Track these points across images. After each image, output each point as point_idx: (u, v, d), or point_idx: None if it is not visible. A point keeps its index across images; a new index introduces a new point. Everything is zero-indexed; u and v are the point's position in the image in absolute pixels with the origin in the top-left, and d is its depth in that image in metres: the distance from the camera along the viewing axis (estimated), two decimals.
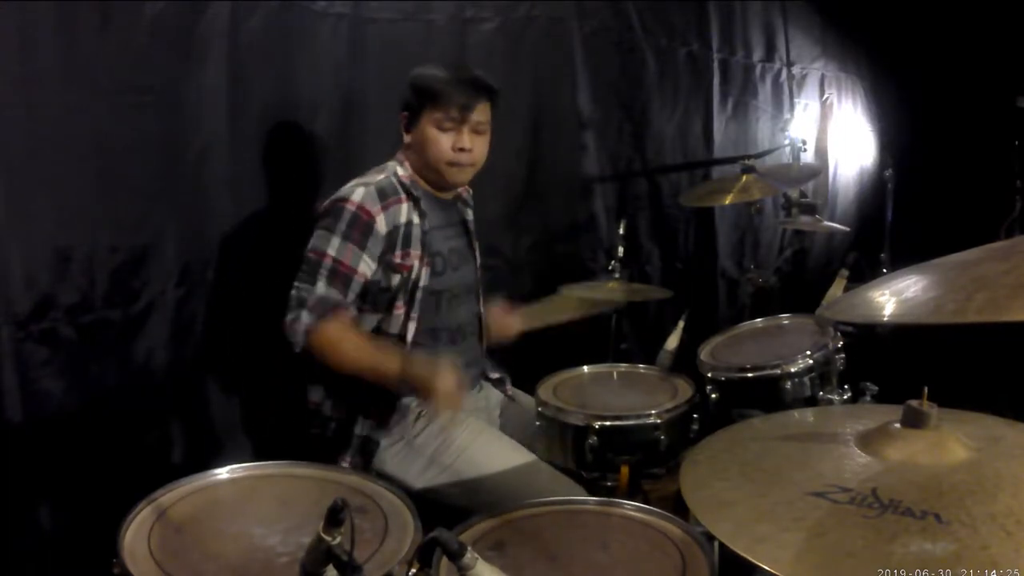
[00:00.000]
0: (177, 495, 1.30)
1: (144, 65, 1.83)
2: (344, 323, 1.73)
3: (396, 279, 1.80)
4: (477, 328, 2.00)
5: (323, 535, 0.92)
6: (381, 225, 1.77)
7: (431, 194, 1.90)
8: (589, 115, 2.85)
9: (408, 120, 1.86)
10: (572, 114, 2.80)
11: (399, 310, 1.81)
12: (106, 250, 1.82)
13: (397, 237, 1.79)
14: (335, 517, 0.91)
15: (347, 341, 1.72)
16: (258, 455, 2.08)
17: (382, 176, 1.82)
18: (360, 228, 1.75)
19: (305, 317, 1.70)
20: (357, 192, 1.77)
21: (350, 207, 1.75)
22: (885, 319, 1.11)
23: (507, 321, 2.05)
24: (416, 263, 1.81)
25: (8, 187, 1.65)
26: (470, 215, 2.03)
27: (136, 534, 1.19)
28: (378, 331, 1.83)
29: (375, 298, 1.81)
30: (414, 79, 1.84)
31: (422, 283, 1.81)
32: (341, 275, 1.73)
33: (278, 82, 2.11)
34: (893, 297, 1.06)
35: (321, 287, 1.72)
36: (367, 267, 1.76)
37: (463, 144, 1.81)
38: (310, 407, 1.88)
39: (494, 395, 2.07)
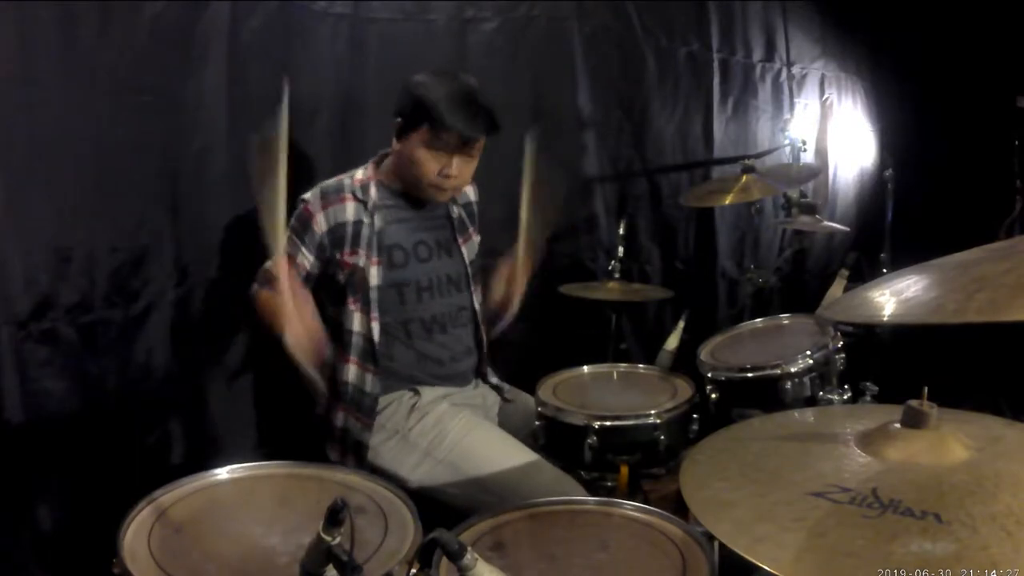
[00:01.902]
0: (177, 495, 1.31)
1: (144, 65, 1.83)
2: (271, 291, 1.75)
3: (342, 275, 1.84)
4: (465, 319, 1.99)
5: (323, 535, 0.93)
6: (320, 223, 1.83)
7: (402, 191, 1.91)
8: (589, 115, 2.85)
9: (400, 128, 1.83)
10: (572, 114, 2.80)
11: (352, 305, 1.85)
12: (106, 250, 1.82)
13: (343, 234, 1.84)
14: (335, 517, 0.92)
15: (270, 300, 1.73)
16: (258, 455, 2.08)
17: (336, 179, 1.90)
18: (300, 223, 1.84)
19: (253, 288, 1.83)
20: (310, 192, 1.87)
21: (300, 205, 1.86)
22: (885, 319, 1.11)
23: (513, 267, 2.01)
24: (362, 261, 1.83)
25: (8, 187, 1.65)
26: (455, 211, 2.02)
27: (136, 534, 1.19)
28: (338, 325, 1.86)
29: (328, 291, 1.88)
30: (415, 90, 1.78)
31: (374, 281, 1.84)
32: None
33: (278, 82, 2.10)
34: (893, 297, 1.06)
35: (268, 264, 1.76)
36: (304, 259, 1.83)
37: (450, 171, 1.80)
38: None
39: (492, 395, 2.07)
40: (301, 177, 2.17)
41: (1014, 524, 0.88)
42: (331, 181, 1.89)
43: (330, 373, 1.85)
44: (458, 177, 1.82)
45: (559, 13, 2.69)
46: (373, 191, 1.88)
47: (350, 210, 1.85)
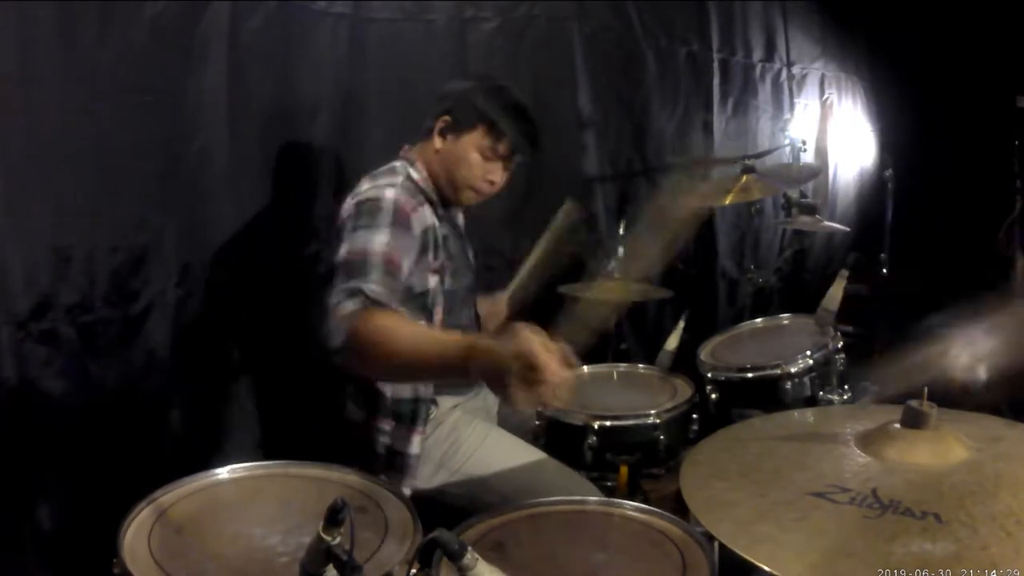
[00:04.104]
0: (177, 495, 1.30)
1: (144, 65, 1.83)
2: (395, 311, 1.45)
3: (433, 281, 1.73)
4: (475, 329, 2.00)
5: (323, 535, 0.92)
6: (416, 225, 1.65)
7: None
8: (589, 115, 2.85)
9: (448, 127, 1.76)
10: (572, 114, 2.80)
11: (438, 316, 1.75)
12: (106, 250, 1.82)
13: (428, 240, 1.71)
14: (335, 517, 0.91)
15: (403, 326, 1.42)
16: (258, 455, 2.08)
17: (400, 178, 1.70)
18: (400, 224, 1.59)
19: (349, 304, 1.42)
20: (388, 191, 1.63)
21: (386, 205, 1.60)
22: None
23: (497, 308, 2.02)
24: (446, 267, 1.77)
25: (8, 187, 1.65)
26: (460, 219, 2.03)
27: (136, 534, 1.19)
28: None
29: (412, 302, 1.65)
30: (489, 98, 1.74)
31: (446, 286, 1.77)
32: (391, 272, 1.51)
33: (278, 82, 2.10)
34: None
35: (374, 280, 1.47)
36: (408, 264, 1.59)
37: (495, 178, 1.77)
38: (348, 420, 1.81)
39: (491, 395, 2.06)
40: (301, 177, 2.18)
41: (1014, 524, 0.88)
42: (398, 180, 1.68)
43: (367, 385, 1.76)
44: (496, 186, 1.80)
45: (559, 13, 2.69)
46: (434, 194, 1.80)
47: (428, 214, 1.72)
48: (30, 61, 1.65)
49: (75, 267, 1.76)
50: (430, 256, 1.71)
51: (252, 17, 2.02)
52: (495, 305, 2.02)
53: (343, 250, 1.55)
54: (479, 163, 1.75)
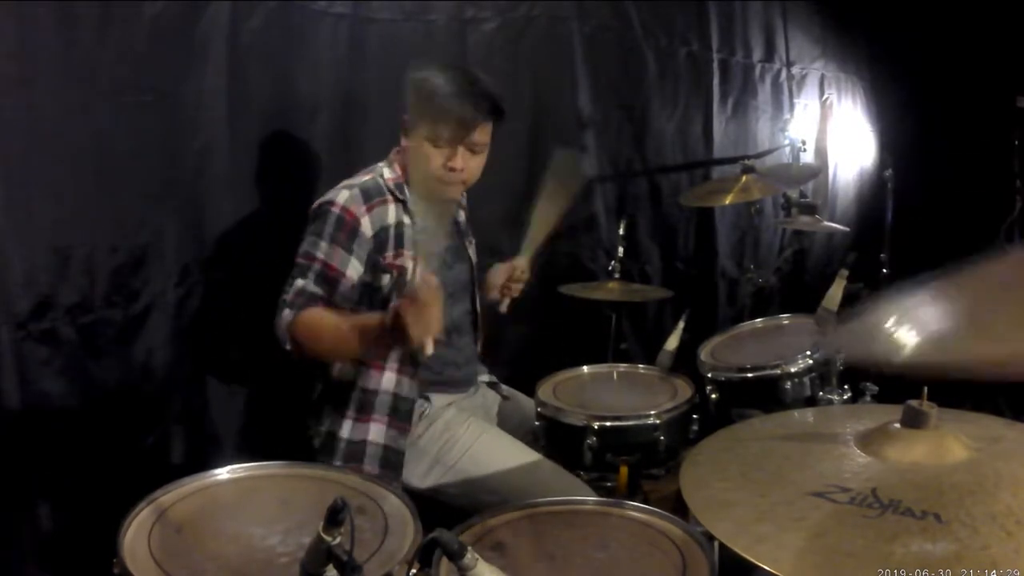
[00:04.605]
0: (177, 495, 1.30)
1: (144, 65, 1.83)
2: (322, 310, 1.66)
3: (386, 279, 1.77)
4: (471, 327, 1.99)
5: (323, 535, 0.92)
6: (367, 226, 1.73)
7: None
8: (589, 115, 2.85)
9: (405, 125, 1.80)
10: (572, 114, 2.80)
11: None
12: (106, 250, 1.82)
13: (387, 238, 1.76)
14: (335, 517, 0.91)
15: (324, 320, 1.63)
16: (258, 455, 2.08)
17: (367, 177, 1.79)
18: (346, 230, 1.71)
19: (287, 313, 1.65)
20: (342, 195, 1.74)
21: (335, 209, 1.72)
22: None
23: (517, 272, 1.99)
24: (410, 263, 1.78)
25: (8, 187, 1.65)
26: (462, 215, 2.02)
27: (136, 534, 1.19)
28: None
29: (369, 299, 1.77)
30: (414, 84, 1.75)
31: (408, 279, 1.78)
32: (329, 278, 1.69)
33: (278, 82, 2.10)
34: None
35: (311, 282, 1.68)
36: (354, 270, 1.72)
37: (455, 164, 1.75)
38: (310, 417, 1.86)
39: (491, 395, 2.06)
40: (301, 177, 2.18)
41: (1014, 524, 0.88)
42: (362, 180, 1.78)
43: (355, 386, 1.79)
44: (464, 170, 1.77)
45: (559, 13, 2.69)
46: (407, 191, 1.82)
47: (391, 212, 1.78)
48: (30, 61, 1.65)
49: (75, 267, 1.76)
50: (388, 253, 1.76)
51: (252, 17, 2.02)
52: (515, 269, 1.98)
53: (300, 249, 1.74)
54: (432, 152, 1.75)
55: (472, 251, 2.03)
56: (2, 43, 1.62)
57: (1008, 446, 1.07)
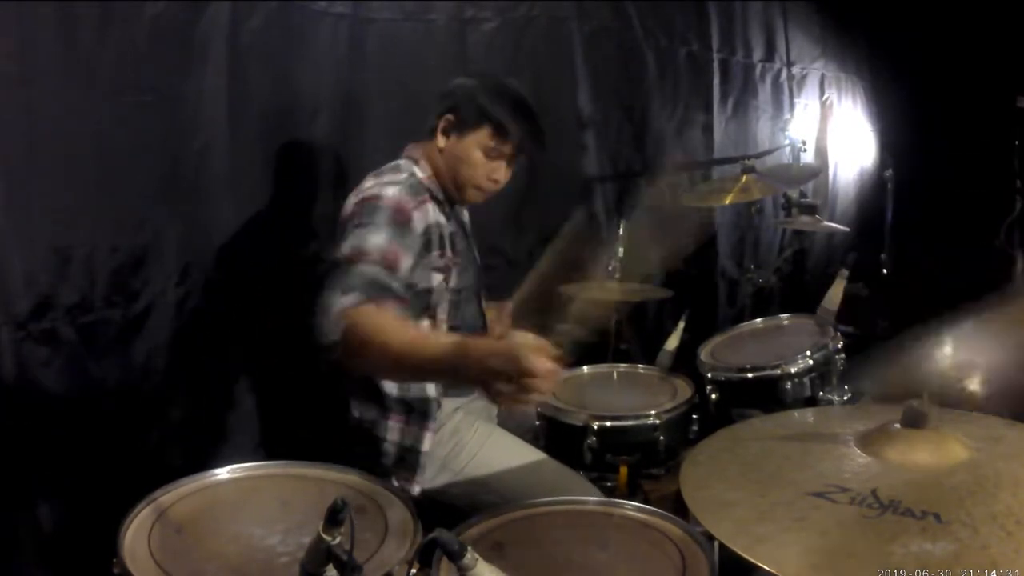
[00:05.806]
0: (177, 495, 1.30)
1: (144, 65, 1.83)
2: (392, 310, 1.45)
3: (437, 279, 1.72)
4: (481, 328, 1.99)
5: (323, 535, 0.92)
6: (417, 223, 1.64)
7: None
8: (589, 115, 2.85)
9: (452, 126, 1.75)
10: (572, 114, 2.80)
11: (442, 313, 1.74)
12: (106, 250, 1.82)
13: (432, 237, 1.70)
14: (335, 517, 0.91)
15: (396, 325, 1.41)
16: (258, 455, 2.08)
17: (404, 175, 1.70)
18: (399, 225, 1.59)
19: (350, 298, 1.42)
20: (389, 189, 1.63)
21: (385, 204, 1.60)
22: None
23: (502, 316, 2.01)
24: (452, 264, 1.75)
25: (8, 187, 1.65)
26: (466, 216, 2.03)
27: (136, 534, 1.19)
28: None
29: (414, 300, 1.64)
30: (493, 97, 1.72)
31: (451, 284, 1.76)
32: (389, 269, 1.51)
33: (278, 82, 2.10)
34: None
35: (371, 277, 1.48)
36: (407, 263, 1.58)
37: (499, 177, 1.76)
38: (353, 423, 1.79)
39: None
40: (301, 177, 2.18)
41: (1014, 524, 0.88)
42: (401, 177, 1.68)
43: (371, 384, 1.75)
44: (500, 184, 1.78)
45: (559, 13, 2.69)
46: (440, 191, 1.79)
47: (432, 211, 1.71)
48: (30, 61, 1.65)
49: (75, 267, 1.76)
50: (435, 253, 1.71)
51: (252, 17, 2.02)
52: (501, 312, 2.00)
53: (344, 247, 1.55)
54: (483, 162, 1.74)
55: (476, 252, 2.03)
56: (2, 43, 1.62)
57: (1008, 446, 1.08)
